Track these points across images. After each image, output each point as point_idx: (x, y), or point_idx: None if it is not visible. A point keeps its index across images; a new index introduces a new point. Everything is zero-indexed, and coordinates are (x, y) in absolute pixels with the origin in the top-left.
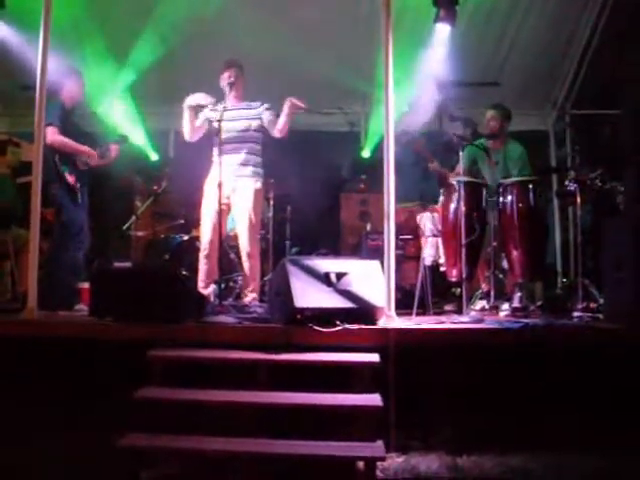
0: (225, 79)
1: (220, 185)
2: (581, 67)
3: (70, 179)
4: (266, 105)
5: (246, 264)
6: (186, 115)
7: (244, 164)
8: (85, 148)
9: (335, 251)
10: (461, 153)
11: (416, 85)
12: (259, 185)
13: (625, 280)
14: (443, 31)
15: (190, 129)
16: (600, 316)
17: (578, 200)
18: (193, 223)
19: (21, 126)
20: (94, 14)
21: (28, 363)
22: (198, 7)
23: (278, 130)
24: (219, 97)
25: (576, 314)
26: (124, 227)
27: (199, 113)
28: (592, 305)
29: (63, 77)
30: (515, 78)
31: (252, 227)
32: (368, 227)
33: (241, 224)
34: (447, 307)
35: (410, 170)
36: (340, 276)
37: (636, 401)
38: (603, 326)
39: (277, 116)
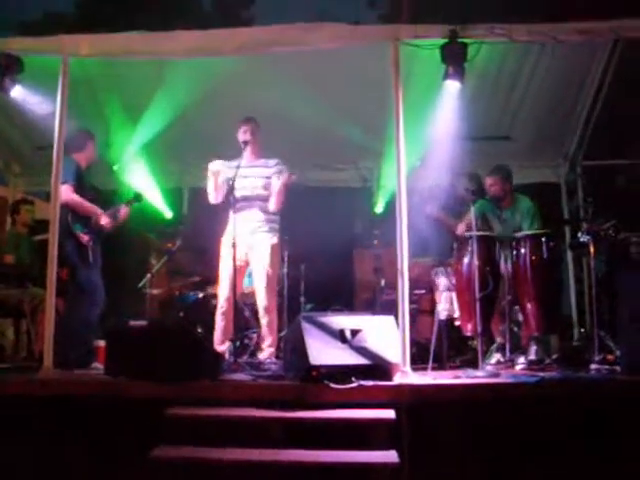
0: (240, 137)
1: (234, 245)
2: (591, 117)
3: (82, 238)
4: (278, 168)
5: (264, 320)
6: (211, 181)
7: (260, 221)
8: (96, 209)
9: (349, 307)
10: (472, 207)
11: (427, 141)
12: (275, 240)
13: None
14: (452, 87)
15: (215, 193)
16: (617, 368)
17: (592, 251)
18: (208, 280)
19: (36, 185)
20: (110, 76)
21: (44, 422)
22: (211, 67)
23: (272, 206)
24: (235, 154)
25: (593, 366)
26: (139, 285)
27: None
28: (609, 357)
29: (77, 137)
30: (526, 131)
31: (270, 282)
32: (382, 282)
33: (259, 279)
34: (462, 360)
35: (423, 225)
36: (355, 332)
37: None
38: (620, 378)
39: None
